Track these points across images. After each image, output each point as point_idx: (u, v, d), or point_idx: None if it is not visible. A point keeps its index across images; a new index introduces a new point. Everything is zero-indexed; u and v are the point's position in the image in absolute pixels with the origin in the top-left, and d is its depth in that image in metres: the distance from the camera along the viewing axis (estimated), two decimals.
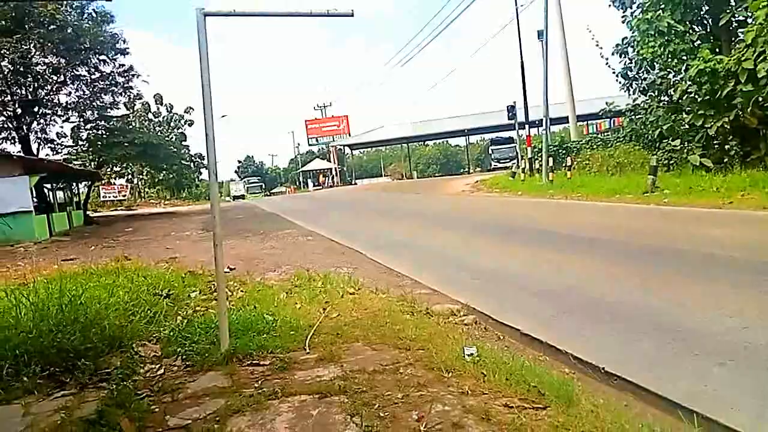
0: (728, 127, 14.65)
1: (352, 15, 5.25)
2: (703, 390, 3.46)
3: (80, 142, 30.93)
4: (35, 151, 27.63)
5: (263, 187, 77.11)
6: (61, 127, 30.56)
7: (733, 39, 16.66)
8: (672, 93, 16.74)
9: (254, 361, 4.25)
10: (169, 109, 57.11)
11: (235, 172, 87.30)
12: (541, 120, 22.25)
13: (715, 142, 15.28)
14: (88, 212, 29.53)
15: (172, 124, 56.95)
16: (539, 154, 22.45)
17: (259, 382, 3.85)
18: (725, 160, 14.69)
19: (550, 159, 20.86)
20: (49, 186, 25.03)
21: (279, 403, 3.46)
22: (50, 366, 4.19)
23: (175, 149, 39.12)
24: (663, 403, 3.40)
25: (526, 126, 24.93)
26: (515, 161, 33.44)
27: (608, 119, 33.87)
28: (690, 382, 3.57)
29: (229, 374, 4.04)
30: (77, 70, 28.02)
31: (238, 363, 4.24)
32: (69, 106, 28.77)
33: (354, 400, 3.41)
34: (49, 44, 25.23)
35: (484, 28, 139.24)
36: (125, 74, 29.38)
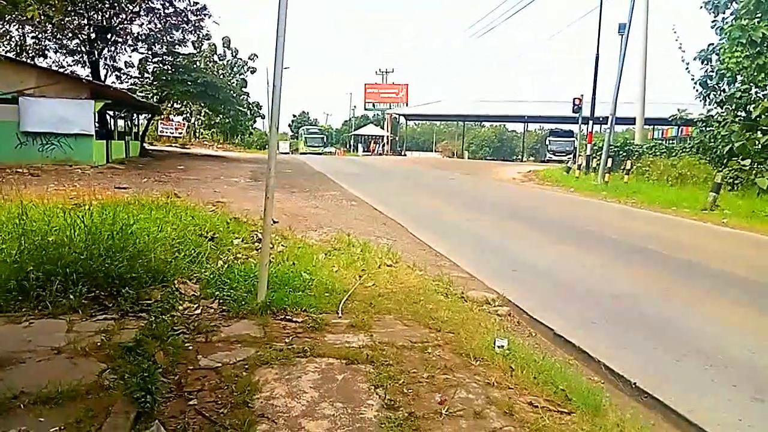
0: None
1: None
2: (737, 423, 3.35)
3: (146, 74, 31.65)
4: (102, 78, 28.44)
5: (325, 140, 65.38)
6: (130, 56, 31.36)
7: None
8: (751, 109, 15.90)
9: (288, 317, 4.34)
10: (234, 53, 57.70)
11: (288, 126, 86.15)
12: (606, 117, 21.49)
13: None
14: (144, 144, 30.39)
15: (235, 69, 57.61)
16: (598, 153, 21.75)
17: (290, 338, 3.93)
18: None
19: (609, 160, 20.20)
20: (111, 113, 25.81)
21: (307, 362, 3.53)
22: (96, 289, 4.39)
23: (235, 94, 39.60)
24: (692, 429, 3.31)
25: (590, 121, 24.16)
26: (571, 156, 32.57)
27: (677, 127, 32.51)
28: (724, 412, 3.46)
29: (262, 325, 4.14)
30: (152, 3, 28.50)
31: (272, 315, 4.34)
32: (140, 37, 29.36)
33: (380, 371, 3.45)
34: None
35: (562, 13, 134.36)
36: (198, 13, 29.71)
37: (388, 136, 66.67)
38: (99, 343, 3.59)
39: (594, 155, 23.04)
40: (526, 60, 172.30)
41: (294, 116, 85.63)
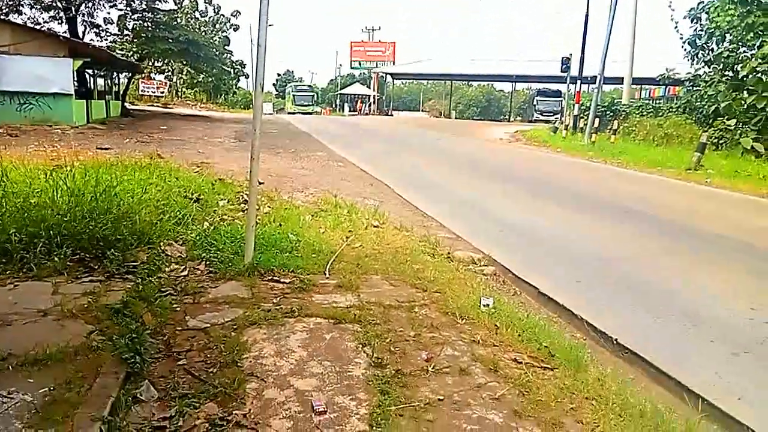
0: None
1: None
2: (713, 377, 3.45)
3: (125, 32, 30.73)
4: (80, 35, 27.58)
5: (314, 99, 59.89)
6: (108, 13, 30.35)
7: None
8: (739, 69, 15.90)
9: (275, 278, 4.35)
10: (216, 10, 56.10)
11: (273, 85, 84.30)
12: (595, 77, 21.37)
13: None
14: (125, 104, 29.76)
15: (217, 26, 56.09)
16: (585, 113, 21.72)
17: (278, 298, 3.96)
18: None
19: (596, 119, 20.18)
20: (90, 72, 25.13)
21: (295, 322, 3.57)
22: (81, 251, 4.36)
23: (218, 52, 38.72)
24: (670, 383, 3.41)
25: (578, 81, 24.01)
26: (559, 116, 32.48)
27: (664, 86, 32.48)
28: (701, 368, 3.56)
29: (249, 286, 4.15)
30: None
31: (259, 277, 4.35)
32: None
33: (367, 330, 3.49)
34: None
35: None
36: None
37: (374, 96, 65.85)
38: (86, 305, 3.58)
39: (581, 115, 23.00)
40: (516, 18, 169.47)
41: (279, 75, 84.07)
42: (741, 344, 3.87)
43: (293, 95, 60.51)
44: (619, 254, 6.15)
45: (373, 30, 70.57)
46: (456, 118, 59.85)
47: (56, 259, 4.20)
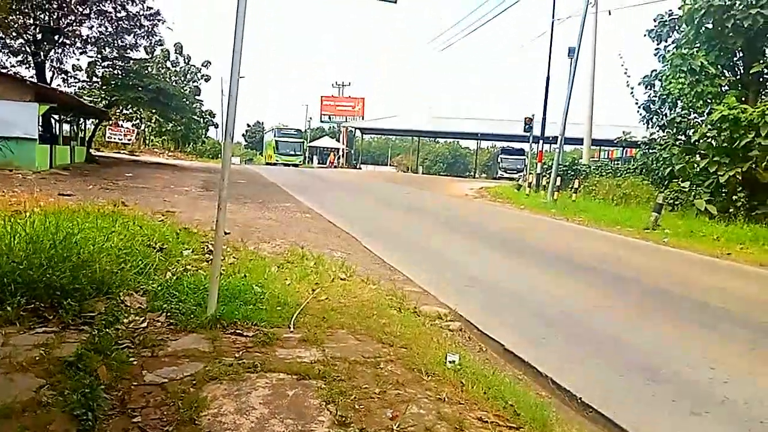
0: (740, 177, 14.67)
1: (395, 2, 5.21)
2: None
3: (94, 78, 30.69)
4: (48, 80, 27.41)
5: (302, 147, 51.23)
6: (78, 59, 30.30)
7: (761, 91, 16.67)
8: (690, 134, 16.74)
9: (238, 331, 4.25)
10: (187, 60, 56.67)
11: (243, 135, 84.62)
12: (556, 137, 22.18)
13: (723, 190, 15.28)
14: (91, 150, 29.38)
15: (188, 76, 56.54)
16: (548, 171, 22.40)
17: (241, 352, 3.85)
18: (731, 209, 14.69)
19: (558, 178, 20.82)
20: (56, 117, 24.86)
21: (257, 378, 3.47)
22: (35, 300, 4.19)
23: (188, 102, 38.84)
24: None
25: (540, 141, 24.87)
26: (522, 174, 33.38)
27: (621, 148, 33.86)
28: (663, 427, 3.59)
29: (211, 339, 4.04)
30: (104, 5, 27.72)
31: (221, 330, 4.24)
32: (89, 40, 28.47)
33: (331, 387, 3.41)
34: None
35: (518, 34, 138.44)
36: (151, 18, 29.09)
37: (343, 149, 66.68)
38: (37, 358, 3.42)
39: (544, 174, 23.70)
40: (483, 78, 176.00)
41: (248, 125, 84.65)
42: (701, 404, 3.92)
43: (276, 141, 51.44)
44: (582, 310, 6.23)
45: (343, 85, 72.20)
46: (423, 173, 60.92)
47: (9, 308, 4.01)
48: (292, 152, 50.06)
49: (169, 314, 4.44)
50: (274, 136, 52.49)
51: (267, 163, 51.64)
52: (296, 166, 47.20)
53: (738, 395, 4.04)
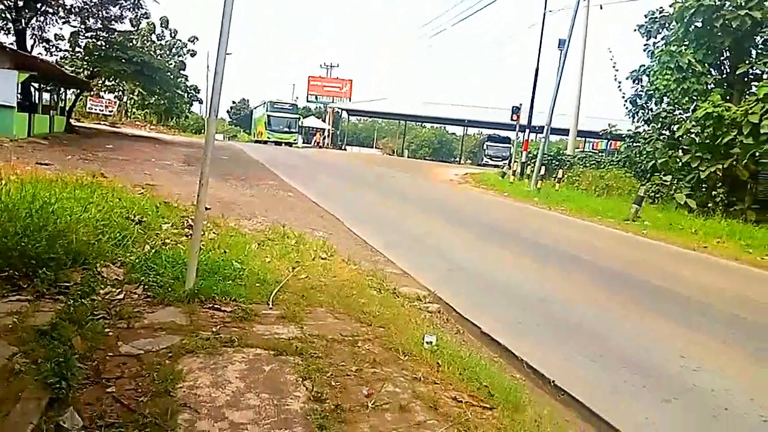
0: (720, 174, 14.89)
1: None
2: (645, 422, 3.55)
3: (77, 49, 30.00)
4: (29, 48, 26.71)
5: (298, 123, 45.57)
6: (60, 29, 29.69)
7: (746, 90, 16.83)
8: (675, 129, 16.92)
9: (216, 306, 4.24)
10: (173, 34, 55.54)
11: (227, 112, 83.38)
12: (542, 127, 22.25)
13: (704, 185, 15.51)
14: (71, 120, 28.81)
15: (173, 50, 55.45)
16: (533, 160, 22.49)
17: (218, 327, 3.84)
18: (709, 204, 14.93)
19: (543, 167, 20.93)
20: (36, 86, 24.28)
21: (234, 352, 3.46)
22: (10, 269, 4.13)
23: (172, 76, 38.16)
24: (604, 426, 3.49)
25: (527, 130, 24.93)
26: (507, 162, 33.48)
27: (606, 141, 34.13)
28: (633, 412, 3.66)
29: (188, 313, 4.02)
30: None
31: (199, 304, 4.22)
32: (73, 10, 27.75)
33: (308, 363, 3.43)
34: None
35: (510, 23, 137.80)
36: None
37: (329, 130, 66.21)
38: (10, 326, 3.37)
39: (529, 162, 23.79)
40: (472, 65, 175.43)
41: (234, 102, 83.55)
42: (671, 391, 4.00)
43: (267, 117, 45.16)
44: (559, 297, 6.30)
45: (331, 66, 71.47)
46: (408, 156, 60.81)
47: None
48: (286, 129, 44.00)
49: (146, 287, 4.41)
50: (266, 110, 45.63)
51: (256, 141, 45.80)
52: (290, 144, 42.04)
53: (706, 384, 4.14)
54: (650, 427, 3.50)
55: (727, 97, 16.14)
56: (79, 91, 31.87)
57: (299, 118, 46.33)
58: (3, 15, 26.04)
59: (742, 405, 3.87)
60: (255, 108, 53.77)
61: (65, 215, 5.17)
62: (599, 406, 3.63)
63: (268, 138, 43.36)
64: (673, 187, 16.30)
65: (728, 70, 17.65)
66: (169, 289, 4.35)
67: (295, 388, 3.11)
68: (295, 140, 44.20)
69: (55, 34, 29.78)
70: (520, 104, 26.86)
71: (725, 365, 4.60)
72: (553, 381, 3.96)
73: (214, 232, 6.78)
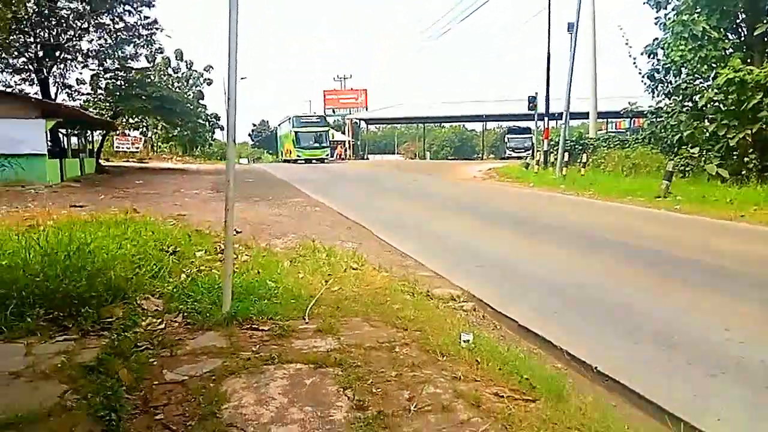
0: (749, 139, 14.49)
1: None
2: (692, 399, 3.49)
3: (98, 91, 31.00)
4: (53, 95, 27.70)
5: (328, 137, 42.46)
6: (80, 73, 30.69)
7: (766, 51, 16.34)
8: (697, 99, 16.51)
9: (254, 326, 4.32)
10: (189, 65, 56.84)
11: (249, 135, 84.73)
12: (561, 113, 22.02)
13: (734, 153, 15.11)
14: (100, 161, 29.70)
15: (190, 81, 56.73)
16: (555, 148, 22.28)
17: (257, 346, 3.92)
18: (743, 172, 14.54)
19: (566, 153, 20.69)
20: (64, 131, 25.14)
21: (275, 369, 3.53)
22: (54, 310, 4.29)
23: (192, 107, 39.09)
24: (651, 407, 3.44)
25: (545, 118, 24.69)
26: (530, 152, 33.17)
27: (629, 119, 33.53)
28: (679, 391, 3.60)
29: (228, 336, 4.11)
30: (101, 18, 27.92)
31: (237, 326, 4.31)
32: (90, 54, 28.73)
33: (348, 373, 3.47)
34: None
35: (515, 13, 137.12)
36: (149, 27, 29.28)
37: (349, 141, 66.65)
38: (59, 365, 3.51)
39: (551, 150, 23.58)
40: (483, 59, 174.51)
41: (254, 125, 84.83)
42: (717, 365, 3.92)
43: (295, 133, 41.61)
44: (594, 282, 6.23)
45: (345, 78, 72.07)
46: (430, 158, 60.79)
47: (28, 319, 4.13)
48: (317, 144, 40.67)
49: (185, 314, 4.53)
50: (292, 126, 42.32)
51: (285, 161, 43.16)
52: (322, 161, 39.34)
53: (753, 355, 4.04)
54: (699, 403, 3.44)
55: (748, 60, 15.72)
56: (105, 131, 32.89)
57: (328, 131, 43.02)
58: (26, 66, 27.08)
59: None
60: (279, 125, 50.46)
61: (102, 253, 5.35)
62: (644, 388, 3.58)
63: (298, 156, 40.69)
64: (703, 158, 15.93)
65: (746, 33, 17.14)
66: (207, 314, 4.46)
67: (337, 399, 3.16)
68: (327, 156, 41.59)
69: (77, 79, 30.96)
70: (536, 93, 26.64)
71: None
72: (596, 367, 3.92)
73: (246, 254, 6.91)
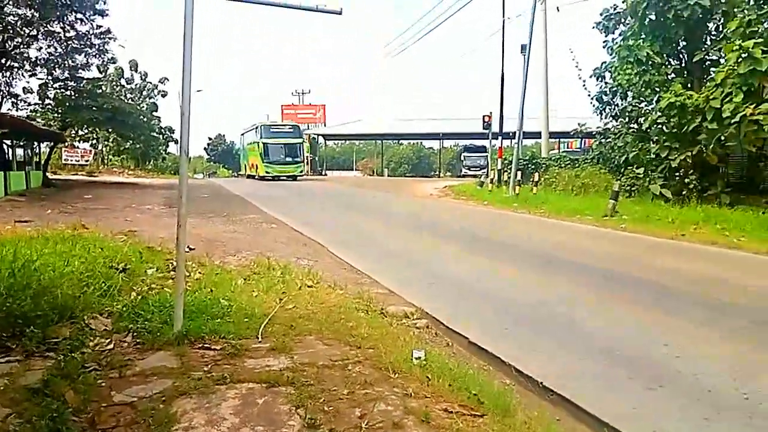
0: (690, 161, 15.23)
1: (341, 13, 5.31)
2: (631, 412, 3.67)
3: (47, 101, 29.99)
4: None
5: (302, 150, 37.56)
6: (28, 82, 29.58)
7: (704, 77, 17.28)
8: (642, 122, 17.28)
9: (206, 345, 4.29)
10: (143, 77, 55.65)
11: (204, 149, 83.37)
12: (515, 132, 22.62)
13: (676, 174, 15.86)
14: (47, 174, 28.68)
15: (144, 92, 55.53)
16: (508, 167, 22.82)
17: (209, 366, 3.90)
18: (684, 192, 15.26)
19: (519, 172, 21.24)
20: (8, 142, 24.22)
21: (226, 389, 3.52)
22: None
23: (145, 119, 38.20)
24: (592, 420, 3.59)
25: (500, 137, 25.29)
26: (485, 170, 33.83)
27: (579, 139, 34.69)
28: (621, 404, 3.78)
29: (179, 355, 4.07)
30: (51, 26, 27.08)
31: (189, 345, 4.27)
32: (38, 62, 27.79)
33: (301, 392, 3.49)
34: None
35: (469, 35, 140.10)
36: (102, 36, 28.52)
37: (307, 157, 66.33)
38: (2, 388, 3.41)
39: (504, 169, 24.12)
40: (441, 79, 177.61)
41: (210, 139, 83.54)
42: (655, 379, 4.13)
43: (263, 145, 35.96)
44: (544, 300, 6.43)
45: (303, 93, 71.84)
46: (388, 175, 61.14)
47: None
48: (289, 159, 35.46)
49: (135, 334, 4.46)
50: (260, 136, 36.64)
51: (250, 176, 38.26)
52: (294, 178, 34.76)
53: (688, 369, 4.27)
54: (638, 416, 3.61)
55: (688, 85, 16.58)
56: (52, 143, 31.77)
57: (303, 143, 37.59)
58: None
59: (724, 386, 4.00)
60: (242, 135, 44.53)
61: (48, 271, 5.22)
62: (587, 402, 3.74)
63: (267, 173, 35.24)
64: (647, 178, 16.64)
65: (686, 59, 18.13)
66: (158, 333, 4.40)
67: (288, 418, 3.18)
68: (301, 172, 36.42)
69: (23, 88, 29.78)
70: (490, 113, 27.23)
71: (706, 348, 4.75)
72: (542, 382, 4.07)
73: (199, 272, 6.83)
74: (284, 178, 34.68)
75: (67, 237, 7.92)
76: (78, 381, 3.50)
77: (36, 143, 29.15)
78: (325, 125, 66.18)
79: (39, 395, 3.25)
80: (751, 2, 15.68)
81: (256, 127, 39.10)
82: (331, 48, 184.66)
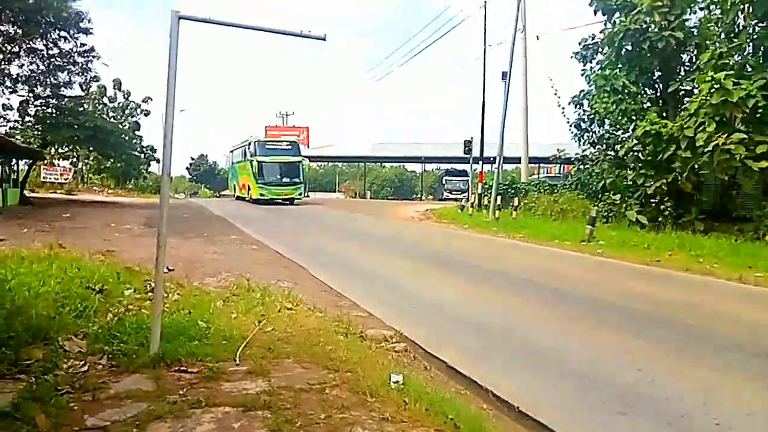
0: (665, 188, 15.61)
1: (324, 39, 5.40)
2: None
3: (27, 118, 29.70)
4: None
5: (302, 170, 32.84)
6: (8, 99, 29.27)
7: (679, 106, 17.80)
8: (618, 149, 17.70)
9: (182, 368, 4.25)
10: (126, 96, 55.38)
11: (186, 169, 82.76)
12: (495, 157, 22.93)
13: (652, 200, 16.22)
14: (25, 192, 28.27)
15: (127, 111, 55.21)
16: (489, 191, 23.08)
17: (185, 389, 3.86)
18: (659, 219, 15.60)
19: (499, 197, 21.49)
20: None
21: (202, 413, 3.49)
22: None
23: (127, 138, 38.05)
24: None
25: (480, 161, 25.62)
26: (466, 194, 34.13)
27: (559, 165, 35.23)
28: (594, 428, 3.83)
29: (154, 378, 4.03)
30: (34, 43, 26.95)
31: (165, 368, 4.23)
32: (20, 79, 27.57)
33: (277, 416, 3.48)
34: (7, 12, 24.23)
35: (452, 60, 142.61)
36: (85, 55, 28.43)
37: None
38: None
39: (485, 193, 24.38)
40: (424, 103, 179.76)
41: (192, 159, 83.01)
42: (627, 403, 4.19)
43: (258, 164, 31.88)
44: (522, 324, 6.51)
45: (287, 115, 72.18)
46: (371, 197, 61.38)
47: None
48: (287, 180, 31.70)
49: (110, 356, 4.40)
50: (254, 154, 32.55)
51: (239, 198, 35.35)
52: (292, 202, 31.67)
53: (660, 393, 4.35)
54: None
55: (663, 114, 17.08)
56: (31, 161, 31.37)
57: (302, 161, 33.18)
58: None
59: (695, 411, 4.08)
60: (232, 152, 40.19)
61: (23, 291, 5.15)
62: (562, 426, 3.78)
63: (261, 195, 31.36)
64: (624, 205, 16.98)
65: (661, 89, 18.68)
66: (134, 356, 4.35)
67: None
68: (300, 194, 32.91)
69: (3, 105, 29.47)
70: (471, 138, 27.61)
71: (678, 373, 4.84)
72: (518, 407, 4.11)
73: (178, 293, 6.77)
74: (280, 201, 31.79)
75: (44, 256, 7.80)
76: (50, 404, 3.45)
77: (14, 160, 28.76)
78: (308, 147, 66.27)
79: (8, 419, 3.20)
80: (722, 35, 16.27)
81: (249, 143, 35.15)
82: (315, 70, 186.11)
